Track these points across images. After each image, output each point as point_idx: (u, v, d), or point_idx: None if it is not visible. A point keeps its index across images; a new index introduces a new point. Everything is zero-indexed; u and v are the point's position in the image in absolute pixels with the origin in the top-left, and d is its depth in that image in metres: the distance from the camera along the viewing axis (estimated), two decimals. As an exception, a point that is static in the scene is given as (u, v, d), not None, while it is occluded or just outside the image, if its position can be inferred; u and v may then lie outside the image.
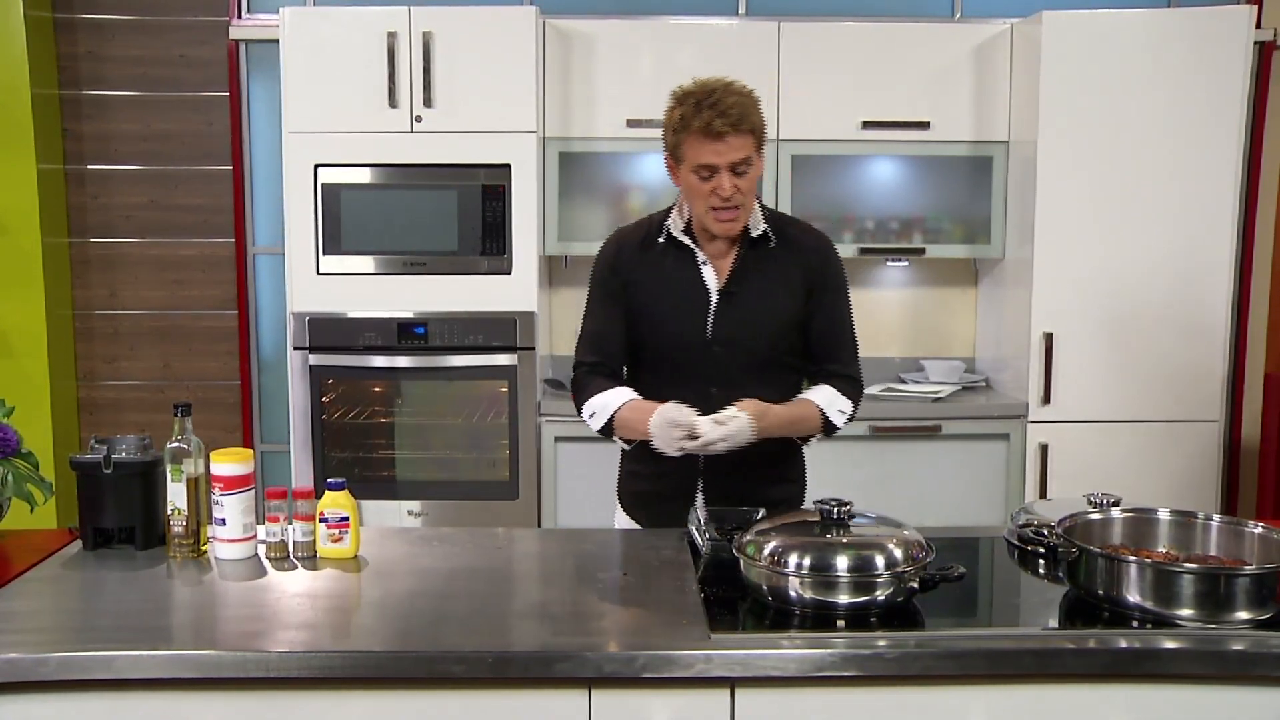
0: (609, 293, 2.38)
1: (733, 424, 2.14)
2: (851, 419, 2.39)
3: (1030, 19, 3.89)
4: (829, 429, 2.35)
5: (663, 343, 2.35)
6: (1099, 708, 1.73)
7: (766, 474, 2.37)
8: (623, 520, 2.52)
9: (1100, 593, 1.82)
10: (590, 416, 2.34)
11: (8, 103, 4.11)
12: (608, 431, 2.33)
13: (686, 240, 2.34)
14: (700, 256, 2.33)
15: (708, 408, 2.20)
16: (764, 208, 2.37)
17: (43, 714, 1.70)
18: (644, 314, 2.35)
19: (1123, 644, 1.73)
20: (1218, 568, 1.82)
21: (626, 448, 2.40)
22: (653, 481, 2.41)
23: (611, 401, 2.30)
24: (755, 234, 2.32)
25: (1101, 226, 3.84)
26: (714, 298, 2.32)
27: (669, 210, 2.40)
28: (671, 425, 2.14)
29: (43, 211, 4.20)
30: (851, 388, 2.39)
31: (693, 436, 2.14)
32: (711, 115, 2.16)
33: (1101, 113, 3.79)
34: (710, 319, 2.30)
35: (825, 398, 2.34)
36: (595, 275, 2.42)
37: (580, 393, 2.37)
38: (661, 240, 2.36)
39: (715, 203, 2.23)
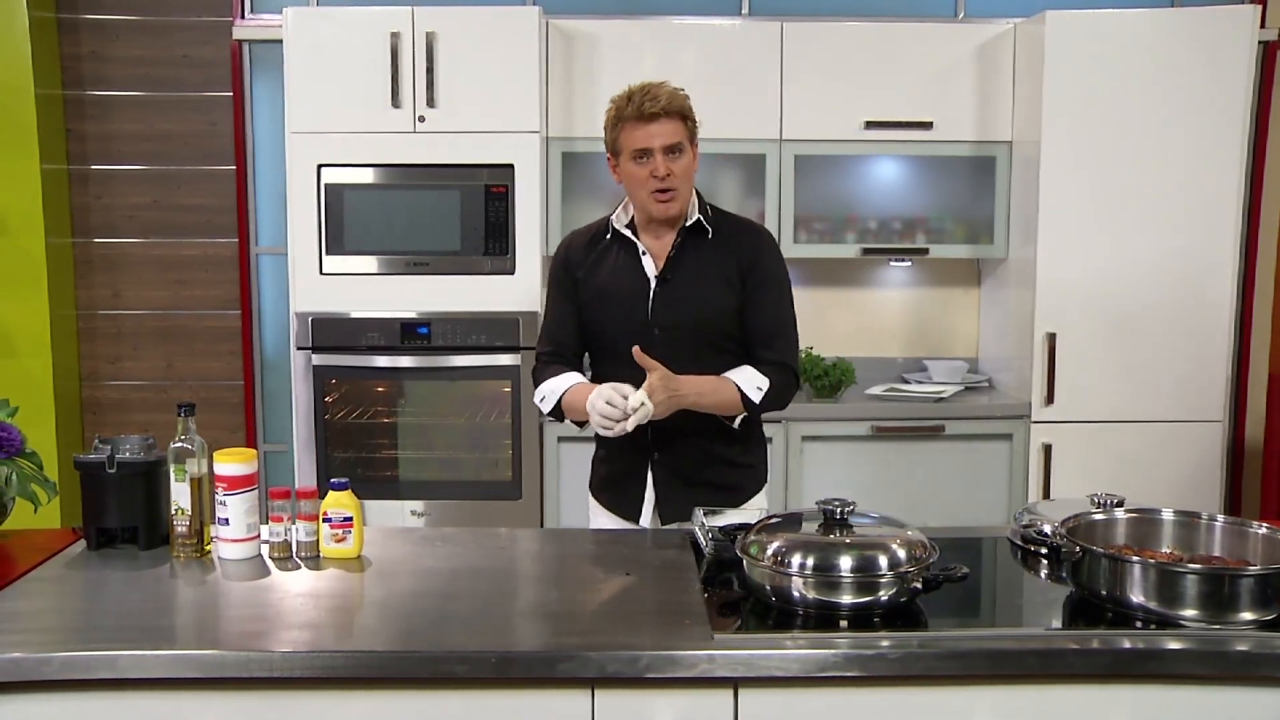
0: (562, 288, 2.55)
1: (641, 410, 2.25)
2: (776, 400, 2.44)
3: (1033, 19, 3.88)
4: (749, 405, 2.40)
5: (609, 329, 2.48)
6: (1103, 708, 1.73)
7: (718, 456, 2.48)
8: (594, 506, 2.63)
9: (1104, 593, 1.82)
10: (541, 401, 2.51)
11: (12, 103, 4.11)
12: (559, 415, 2.49)
13: (628, 233, 2.48)
14: (640, 247, 2.47)
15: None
16: (704, 202, 2.50)
17: (46, 713, 1.70)
18: (592, 304, 2.50)
19: (1126, 644, 1.73)
20: (1222, 568, 1.82)
21: (581, 430, 2.55)
22: (609, 464, 2.58)
23: (558, 386, 2.47)
24: (689, 223, 2.45)
25: (1105, 226, 3.84)
26: (653, 284, 2.45)
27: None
28: (601, 409, 2.27)
29: (46, 212, 4.20)
30: (778, 372, 2.44)
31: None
32: (642, 99, 2.35)
33: (1105, 113, 3.79)
34: (650, 304, 2.44)
35: (743, 376, 2.42)
36: (551, 273, 2.60)
37: (535, 380, 2.55)
38: (608, 236, 2.52)
39: (653, 185, 2.38)
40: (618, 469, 2.56)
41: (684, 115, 2.38)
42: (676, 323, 2.42)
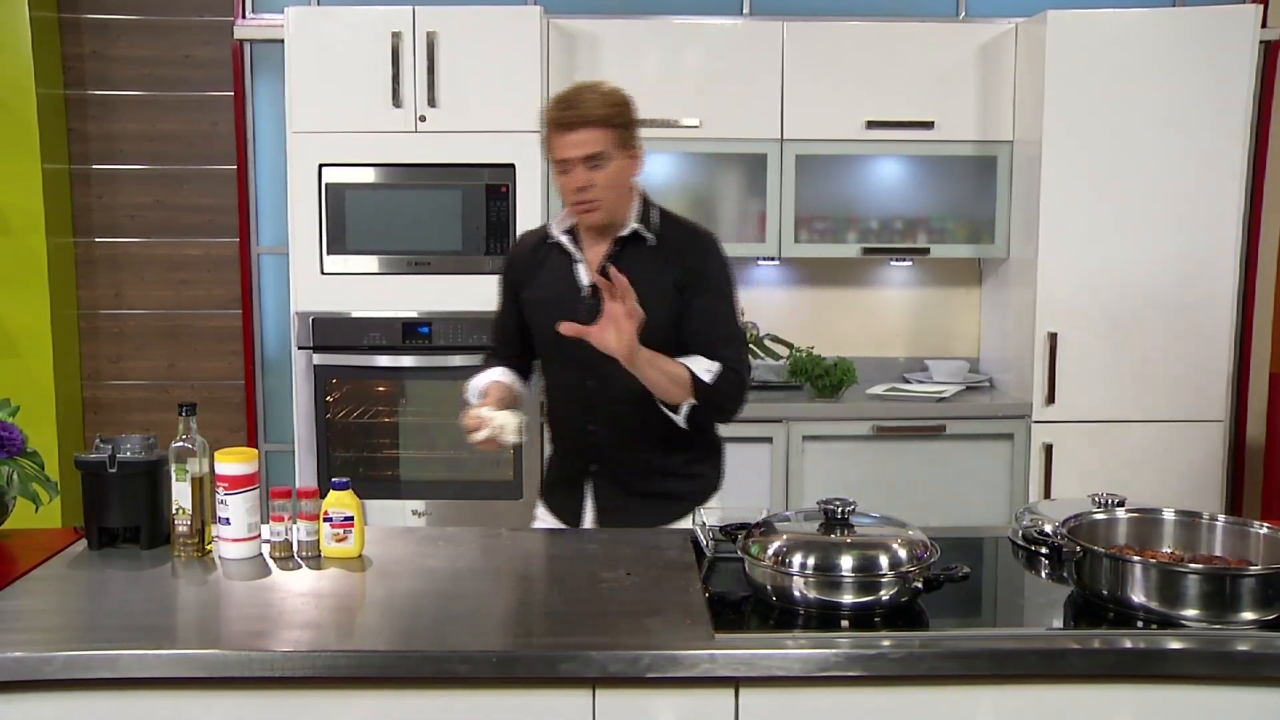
0: (504, 290, 2.55)
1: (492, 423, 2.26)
2: (725, 396, 2.32)
3: (1035, 18, 3.88)
4: (699, 386, 2.29)
5: (544, 337, 2.43)
6: (1104, 708, 1.73)
7: (658, 466, 2.42)
8: (540, 509, 2.61)
9: (1105, 593, 1.82)
10: (467, 395, 2.50)
11: (13, 103, 4.11)
12: None
13: (564, 240, 2.42)
14: (576, 255, 2.40)
15: (584, 398, 2.40)
16: (650, 207, 2.41)
17: (48, 713, 1.70)
18: (529, 311, 2.48)
19: (1128, 644, 1.73)
20: (1223, 568, 1.82)
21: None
22: (553, 471, 2.59)
23: (478, 383, 2.49)
24: (624, 233, 2.36)
25: (1106, 226, 3.83)
26: (584, 294, 2.38)
27: None
28: (464, 421, 2.31)
29: (48, 211, 4.20)
30: (726, 374, 2.32)
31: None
32: (562, 109, 2.29)
33: (1106, 112, 3.78)
34: (578, 314, 2.31)
35: (694, 360, 2.31)
36: (500, 274, 2.58)
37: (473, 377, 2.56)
38: (550, 242, 2.45)
39: (572, 196, 2.32)
40: (560, 476, 2.54)
41: (609, 123, 2.27)
42: None
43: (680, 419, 2.33)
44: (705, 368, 2.30)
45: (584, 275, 2.38)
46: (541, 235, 2.49)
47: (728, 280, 2.41)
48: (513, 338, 2.53)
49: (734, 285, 2.43)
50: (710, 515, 2.22)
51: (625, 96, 2.33)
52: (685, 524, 2.40)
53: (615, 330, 2.16)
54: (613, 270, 2.19)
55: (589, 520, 2.47)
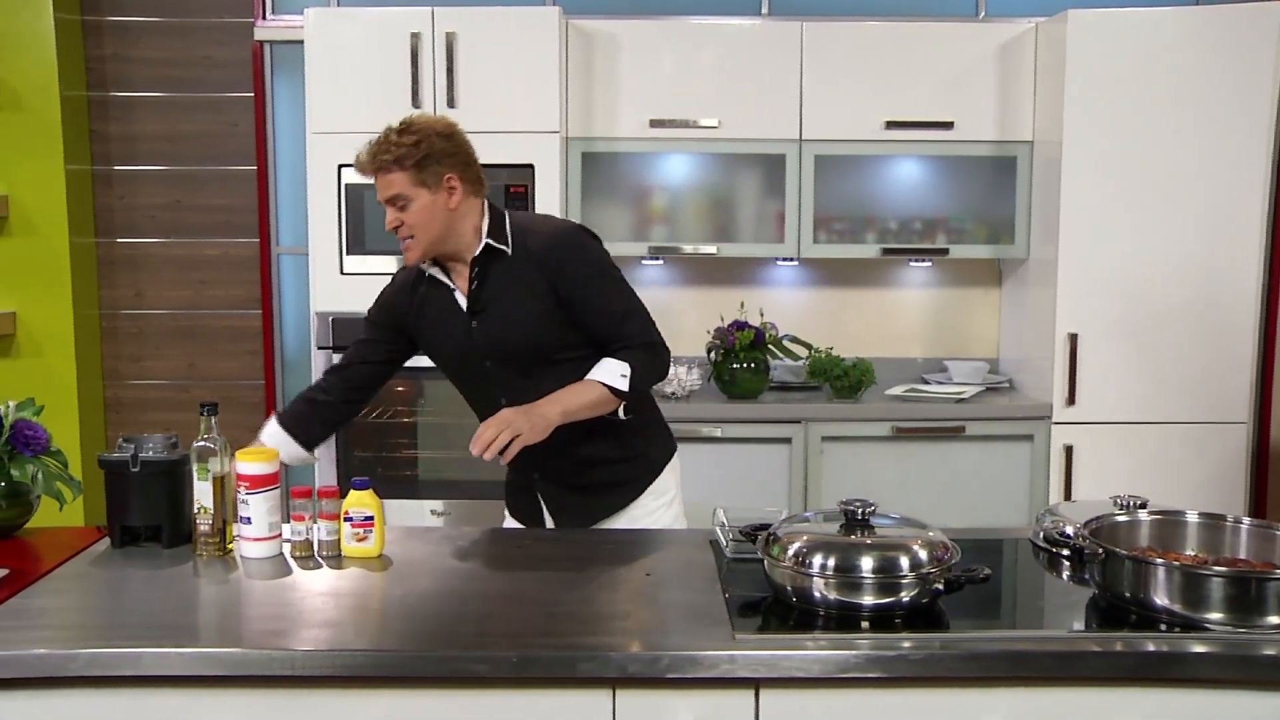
0: (378, 323, 2.53)
1: None
2: (648, 376, 2.38)
3: (1055, 18, 3.86)
4: (621, 395, 2.33)
5: (446, 367, 2.49)
6: (1126, 712, 1.72)
7: (594, 458, 2.45)
8: (507, 514, 2.64)
9: (1127, 595, 1.81)
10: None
11: (38, 104, 4.15)
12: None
13: (435, 272, 2.42)
14: (450, 284, 2.41)
15: None
16: (504, 220, 2.40)
17: (71, 709, 1.71)
18: (425, 346, 2.48)
19: (1150, 647, 1.71)
20: (1248, 571, 1.81)
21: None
22: (508, 479, 2.60)
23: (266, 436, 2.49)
24: (477, 252, 2.37)
25: (1127, 226, 3.81)
26: (467, 319, 2.40)
27: None
28: None
29: (70, 212, 4.23)
30: (638, 353, 2.35)
31: None
32: (367, 154, 2.31)
33: (1127, 111, 3.76)
34: (471, 338, 2.39)
35: (604, 370, 2.33)
36: (375, 308, 2.56)
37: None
38: (426, 276, 2.44)
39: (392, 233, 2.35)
40: (512, 484, 2.58)
41: (402, 164, 2.27)
42: (501, 349, 2.38)
43: (622, 416, 2.39)
44: (619, 373, 2.32)
45: (462, 300, 2.40)
46: (415, 273, 2.47)
47: (597, 264, 2.39)
48: (364, 361, 2.52)
49: (606, 263, 2.41)
50: (729, 515, 2.22)
51: (426, 131, 2.30)
52: (644, 503, 2.47)
53: (518, 435, 2.21)
54: (476, 447, 2.22)
55: (547, 523, 2.52)
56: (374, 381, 2.55)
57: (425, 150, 2.28)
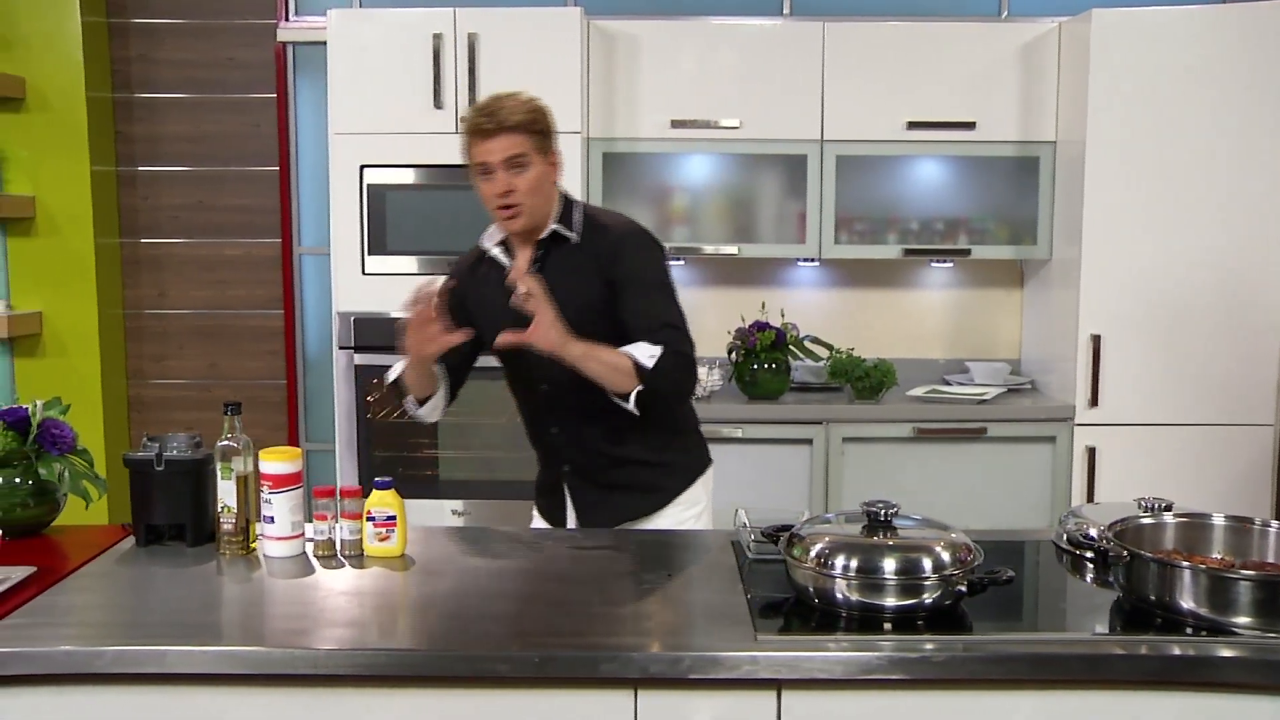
0: (443, 302, 2.45)
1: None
2: (672, 377, 2.31)
3: (1079, 17, 3.84)
4: (642, 372, 2.27)
5: (491, 347, 2.45)
6: (1150, 715, 1.71)
7: (627, 458, 2.43)
8: (535, 512, 2.64)
9: (1152, 598, 1.79)
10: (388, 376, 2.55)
11: (64, 106, 4.19)
12: (398, 389, 2.52)
13: (497, 253, 2.44)
14: (507, 263, 2.41)
15: (541, 403, 2.46)
16: (573, 206, 2.43)
17: (97, 705, 1.72)
18: (477, 324, 2.45)
19: (1175, 650, 1.70)
20: (1276, 575, 1.79)
21: (416, 408, 2.54)
22: (539, 474, 2.59)
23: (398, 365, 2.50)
24: (544, 235, 2.38)
25: (1151, 226, 3.79)
26: (517, 301, 2.37)
27: None
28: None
29: (95, 212, 4.27)
30: (670, 355, 2.29)
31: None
32: (480, 116, 2.32)
33: (1151, 111, 3.74)
34: (519, 319, 2.29)
35: (635, 347, 2.30)
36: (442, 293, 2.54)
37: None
38: (486, 257, 2.47)
39: (495, 201, 2.33)
40: (542, 480, 2.58)
41: (529, 128, 2.30)
42: None
43: (631, 406, 2.30)
44: (648, 353, 2.29)
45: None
46: (478, 254, 2.49)
47: (656, 269, 2.40)
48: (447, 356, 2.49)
49: (665, 273, 2.41)
50: (751, 516, 2.21)
51: (543, 105, 2.37)
52: (671, 512, 2.45)
53: (540, 327, 2.19)
54: (515, 275, 2.23)
55: (571, 520, 2.50)
56: (459, 378, 2.57)
57: (549, 122, 2.35)
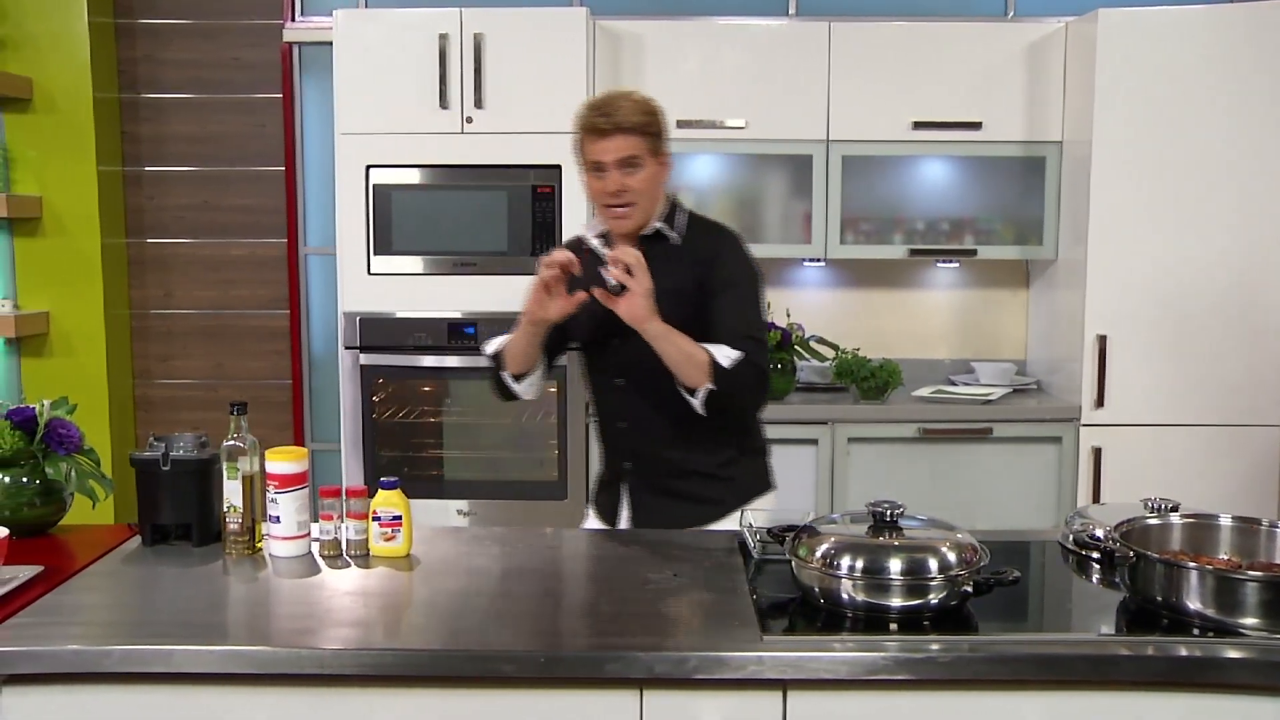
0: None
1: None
2: (743, 385, 2.30)
3: (1085, 17, 3.84)
4: (717, 371, 2.27)
5: (581, 339, 2.51)
6: (1156, 717, 1.70)
7: (691, 468, 2.44)
8: (590, 510, 2.66)
9: (1158, 599, 1.79)
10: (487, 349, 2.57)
11: (71, 107, 4.20)
12: (498, 362, 2.50)
13: (596, 244, 2.46)
14: (606, 257, 2.41)
15: (616, 396, 2.48)
16: (678, 210, 2.46)
17: (104, 704, 1.73)
18: (569, 317, 2.44)
19: (1182, 651, 1.70)
20: (1282, 575, 1.78)
21: (514, 383, 2.50)
22: (600, 469, 2.62)
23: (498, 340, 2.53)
24: (648, 233, 2.41)
25: (1158, 227, 3.78)
26: (613, 288, 2.37)
27: None
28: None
29: (102, 212, 4.28)
30: (745, 363, 2.29)
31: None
32: (596, 115, 2.34)
33: (1158, 111, 3.73)
34: (613, 315, 2.31)
35: (716, 347, 2.30)
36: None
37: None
38: (585, 248, 2.48)
39: (607, 199, 2.36)
40: (603, 475, 2.60)
41: (644, 130, 2.34)
42: (632, 331, 2.32)
43: (698, 404, 2.30)
44: (727, 356, 2.29)
45: (611, 278, 2.36)
46: (575, 243, 2.52)
47: (747, 277, 2.43)
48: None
49: (755, 282, 2.44)
50: (757, 517, 2.21)
51: (658, 106, 2.41)
52: (722, 527, 2.40)
53: (631, 296, 2.22)
54: (616, 253, 2.25)
55: (624, 520, 2.50)
56: (547, 362, 2.58)
57: (662, 123, 2.40)
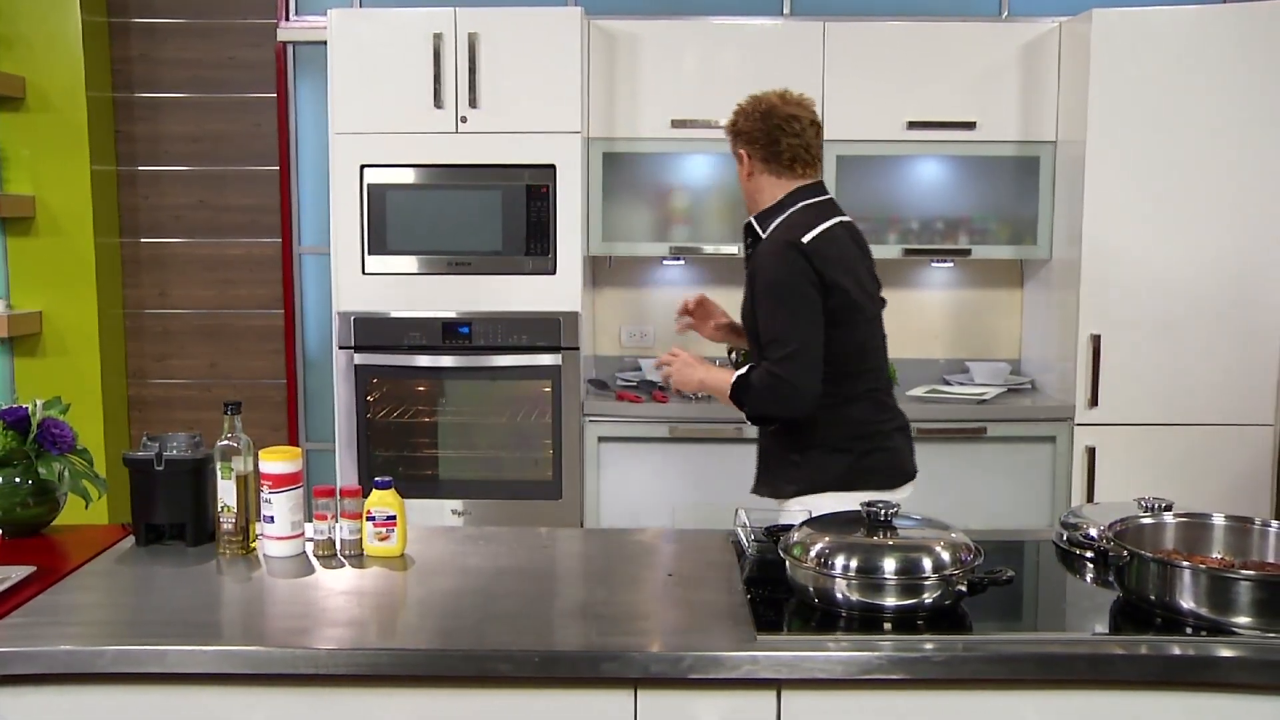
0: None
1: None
2: (759, 399, 2.48)
3: (1080, 17, 3.84)
4: (733, 395, 2.51)
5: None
6: (1150, 715, 1.71)
7: (765, 446, 2.69)
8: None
9: (1152, 598, 1.79)
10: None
11: (65, 106, 4.18)
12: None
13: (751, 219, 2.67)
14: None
15: None
16: (783, 208, 2.58)
17: (98, 704, 1.73)
18: None
19: (1176, 650, 1.70)
20: (1276, 575, 1.79)
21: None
22: None
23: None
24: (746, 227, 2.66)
25: (1151, 227, 3.79)
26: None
27: None
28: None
29: (96, 212, 4.27)
30: (764, 375, 2.46)
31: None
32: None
33: (1152, 111, 3.74)
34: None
35: (743, 369, 2.55)
36: None
37: None
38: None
39: None
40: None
41: (730, 129, 2.63)
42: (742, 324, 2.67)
43: (746, 417, 2.56)
44: (742, 374, 2.51)
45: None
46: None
47: (773, 283, 2.48)
48: None
49: (772, 291, 2.48)
50: (751, 516, 2.22)
51: (743, 104, 2.69)
52: (794, 506, 2.50)
53: (672, 366, 2.66)
54: (656, 362, 2.78)
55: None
56: None
57: (736, 127, 2.63)
